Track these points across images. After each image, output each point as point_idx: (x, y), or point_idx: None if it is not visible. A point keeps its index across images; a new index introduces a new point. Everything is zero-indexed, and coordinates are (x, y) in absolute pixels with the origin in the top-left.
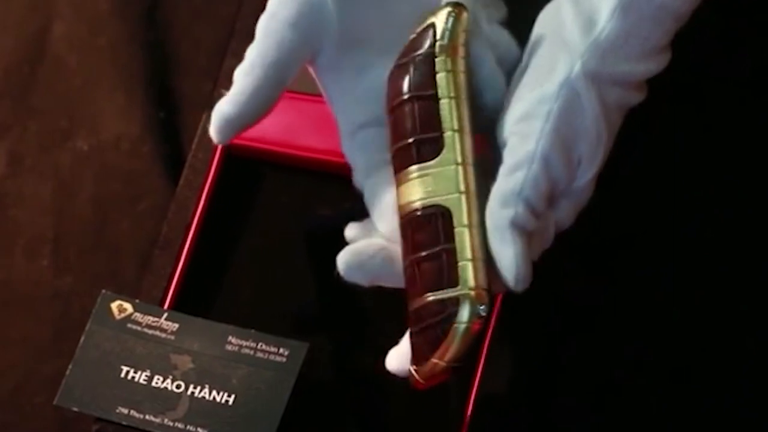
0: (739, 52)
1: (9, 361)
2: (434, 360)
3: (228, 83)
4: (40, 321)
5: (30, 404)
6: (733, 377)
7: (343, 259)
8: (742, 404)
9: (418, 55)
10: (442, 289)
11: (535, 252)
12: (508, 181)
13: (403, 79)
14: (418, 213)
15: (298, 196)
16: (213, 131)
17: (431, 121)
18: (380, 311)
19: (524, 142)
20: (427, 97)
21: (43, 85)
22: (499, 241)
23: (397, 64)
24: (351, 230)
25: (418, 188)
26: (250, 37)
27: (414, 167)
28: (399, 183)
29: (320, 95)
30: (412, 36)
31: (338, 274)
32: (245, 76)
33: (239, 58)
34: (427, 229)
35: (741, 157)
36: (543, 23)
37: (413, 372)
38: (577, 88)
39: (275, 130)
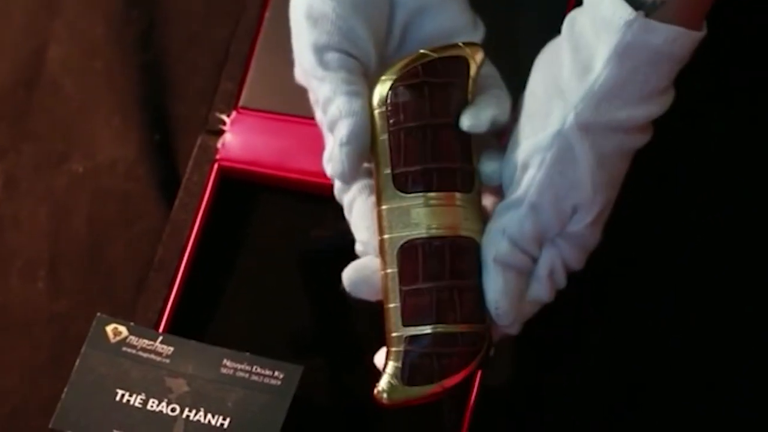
0: (732, 87)
1: (5, 384)
2: (440, 384)
3: (223, 106)
4: (36, 344)
5: (27, 428)
6: (732, 402)
7: (347, 274)
8: (741, 428)
9: (456, 82)
10: (475, 322)
11: (541, 291)
12: (496, 220)
13: (441, 100)
14: (460, 240)
15: (293, 219)
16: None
17: (469, 153)
18: (375, 334)
19: (516, 187)
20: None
21: (38, 108)
22: (485, 274)
23: (422, 81)
24: (359, 245)
25: (460, 216)
26: (244, 60)
27: (458, 195)
28: (438, 203)
29: (314, 118)
30: (430, 58)
31: (343, 290)
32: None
33: (234, 81)
34: (467, 258)
35: (737, 185)
36: (542, 66)
37: (390, 388)
38: (570, 139)
39: (269, 153)
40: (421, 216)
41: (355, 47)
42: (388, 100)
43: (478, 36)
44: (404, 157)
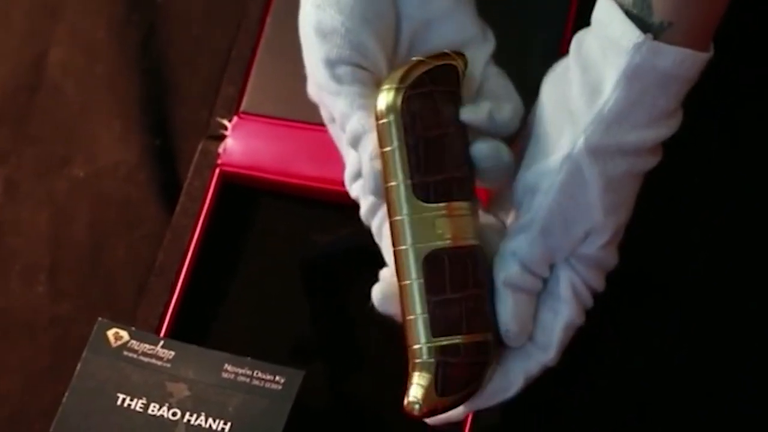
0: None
1: (6, 388)
2: (473, 393)
3: (224, 111)
4: (36, 348)
5: None
6: (737, 417)
7: (378, 290)
8: None
9: (455, 90)
10: (490, 330)
11: (572, 314)
12: (507, 242)
13: (448, 109)
14: (476, 249)
15: (294, 224)
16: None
17: (469, 159)
18: (376, 339)
19: (527, 211)
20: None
21: (39, 112)
22: (496, 297)
23: (431, 89)
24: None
25: (473, 225)
26: (245, 65)
27: (470, 203)
28: (460, 213)
29: (316, 124)
30: (430, 66)
31: (372, 306)
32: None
33: (235, 86)
34: (481, 267)
35: (740, 202)
36: (550, 87)
37: (424, 399)
38: (580, 163)
39: (271, 157)
40: (446, 226)
41: (366, 60)
42: (403, 109)
43: (488, 48)
44: (424, 167)
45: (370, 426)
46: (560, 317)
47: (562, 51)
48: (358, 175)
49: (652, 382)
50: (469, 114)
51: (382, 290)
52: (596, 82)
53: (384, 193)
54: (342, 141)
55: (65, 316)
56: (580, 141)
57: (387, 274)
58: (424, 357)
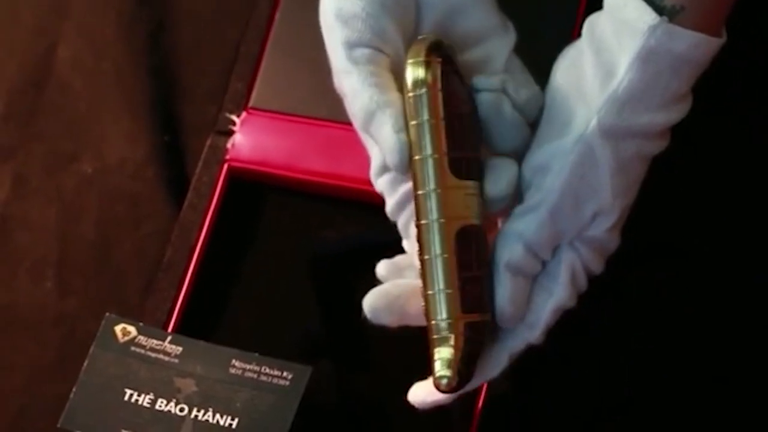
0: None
1: (13, 383)
2: None
3: (232, 107)
4: (44, 344)
5: (34, 427)
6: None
7: (369, 301)
8: None
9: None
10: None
11: (565, 297)
12: (512, 223)
13: (467, 87)
14: (483, 231)
15: (302, 220)
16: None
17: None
18: (383, 335)
19: (536, 191)
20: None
21: (48, 108)
22: (495, 279)
23: (456, 67)
24: (382, 269)
25: (481, 206)
26: (254, 61)
27: (474, 183)
28: (473, 192)
29: (324, 119)
30: (447, 44)
31: (364, 317)
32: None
33: (244, 82)
34: (485, 245)
35: (725, 196)
36: (562, 70)
37: (453, 374)
38: (592, 144)
39: (279, 153)
40: (474, 203)
41: (385, 45)
42: (440, 83)
43: (509, 39)
44: (460, 142)
45: (377, 421)
46: (553, 299)
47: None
48: (384, 168)
49: (650, 354)
50: (482, 80)
51: (370, 303)
52: (610, 64)
53: (407, 167)
54: (359, 120)
55: (73, 312)
56: (593, 122)
57: (386, 287)
58: (445, 332)
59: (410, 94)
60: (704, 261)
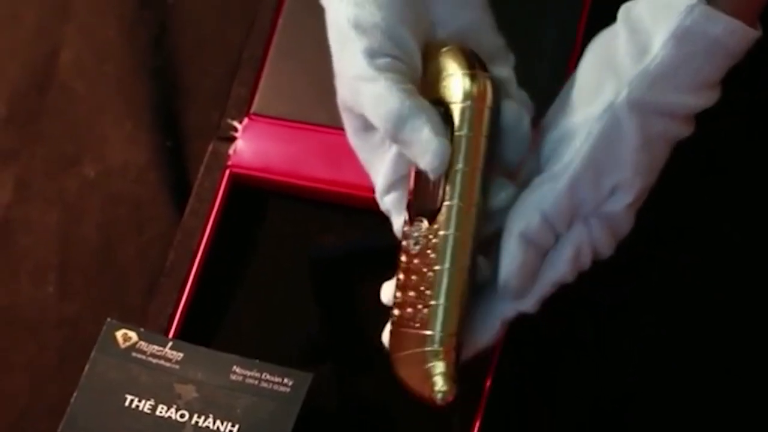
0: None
1: (14, 387)
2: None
3: (235, 112)
4: (45, 347)
5: (35, 430)
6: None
7: (386, 339)
8: None
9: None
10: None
11: (565, 272)
12: (531, 193)
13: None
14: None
15: (304, 226)
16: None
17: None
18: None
19: (559, 159)
20: None
21: (50, 111)
22: (503, 247)
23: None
24: (386, 294)
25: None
26: (257, 66)
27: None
28: (477, 207)
29: (326, 126)
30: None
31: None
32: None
33: (246, 87)
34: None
35: (733, 200)
36: (597, 45)
37: (449, 388)
38: (620, 115)
39: (281, 159)
40: (482, 219)
41: (405, 55)
42: (489, 99)
43: (510, 62)
44: (488, 160)
45: (378, 428)
46: (554, 272)
47: (574, 56)
48: (392, 187)
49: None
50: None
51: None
52: (644, 42)
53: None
54: (372, 150)
55: (74, 316)
56: (624, 93)
57: None
58: (437, 346)
59: (453, 105)
60: (733, 248)
